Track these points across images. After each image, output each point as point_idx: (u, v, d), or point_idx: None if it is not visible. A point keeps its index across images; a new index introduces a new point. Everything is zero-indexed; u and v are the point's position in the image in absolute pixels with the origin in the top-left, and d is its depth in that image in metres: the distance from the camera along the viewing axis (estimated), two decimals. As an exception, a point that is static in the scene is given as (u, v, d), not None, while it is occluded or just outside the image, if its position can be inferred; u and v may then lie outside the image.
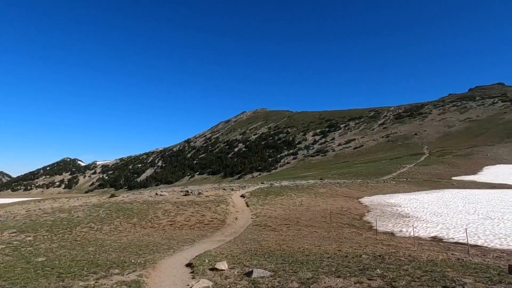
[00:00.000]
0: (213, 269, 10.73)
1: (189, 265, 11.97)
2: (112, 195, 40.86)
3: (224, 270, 10.62)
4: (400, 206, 32.33)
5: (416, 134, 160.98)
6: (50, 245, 17.20)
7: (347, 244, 15.93)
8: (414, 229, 20.11)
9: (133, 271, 10.91)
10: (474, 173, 72.80)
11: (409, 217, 26.51)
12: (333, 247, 15.10)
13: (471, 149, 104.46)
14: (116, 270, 11.01)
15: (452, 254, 13.63)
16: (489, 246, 16.53)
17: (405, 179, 61.35)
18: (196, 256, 13.18)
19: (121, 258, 13.09)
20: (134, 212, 26.26)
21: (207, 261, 11.90)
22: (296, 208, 30.12)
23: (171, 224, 23.41)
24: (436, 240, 18.36)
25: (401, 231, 21.34)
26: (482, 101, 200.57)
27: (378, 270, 9.81)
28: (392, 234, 20.46)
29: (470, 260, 12.13)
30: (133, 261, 12.38)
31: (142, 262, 12.22)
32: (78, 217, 24.96)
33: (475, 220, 24.05)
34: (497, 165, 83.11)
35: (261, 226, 22.45)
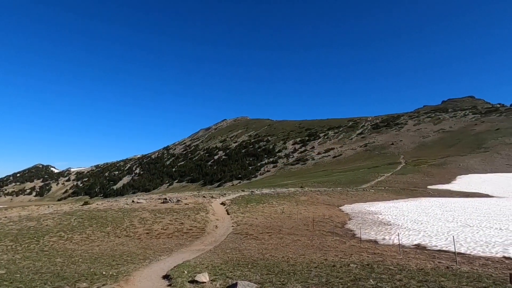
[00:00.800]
0: (193, 281, 9.87)
1: (166, 277, 11.07)
2: (86, 203, 38.91)
3: (205, 282, 9.78)
4: (380, 214, 32.36)
5: (392, 144, 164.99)
6: (13, 256, 15.85)
7: (332, 253, 15.44)
8: (397, 237, 19.93)
9: (103, 284, 9.91)
10: (448, 182, 74.90)
11: (390, 225, 26.45)
12: (318, 256, 14.54)
13: (444, 159, 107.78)
14: (84, 284, 9.98)
15: (439, 262, 13.37)
16: (472, 253, 16.46)
17: (383, 188, 62.22)
18: (174, 267, 12.28)
19: (91, 270, 12.02)
20: (109, 220, 24.92)
21: (186, 272, 11.04)
22: (278, 216, 29.54)
23: (147, 233, 22.27)
24: (420, 248, 18.18)
25: (384, 239, 21.12)
26: (454, 113, 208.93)
27: (371, 280, 9.26)
28: (375, 242, 20.18)
29: (459, 268, 11.86)
30: (104, 273, 11.35)
31: (114, 274, 11.21)
32: (47, 225, 23.43)
33: (455, 228, 24.25)
34: (469, 175, 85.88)
35: (242, 235, 21.70)
